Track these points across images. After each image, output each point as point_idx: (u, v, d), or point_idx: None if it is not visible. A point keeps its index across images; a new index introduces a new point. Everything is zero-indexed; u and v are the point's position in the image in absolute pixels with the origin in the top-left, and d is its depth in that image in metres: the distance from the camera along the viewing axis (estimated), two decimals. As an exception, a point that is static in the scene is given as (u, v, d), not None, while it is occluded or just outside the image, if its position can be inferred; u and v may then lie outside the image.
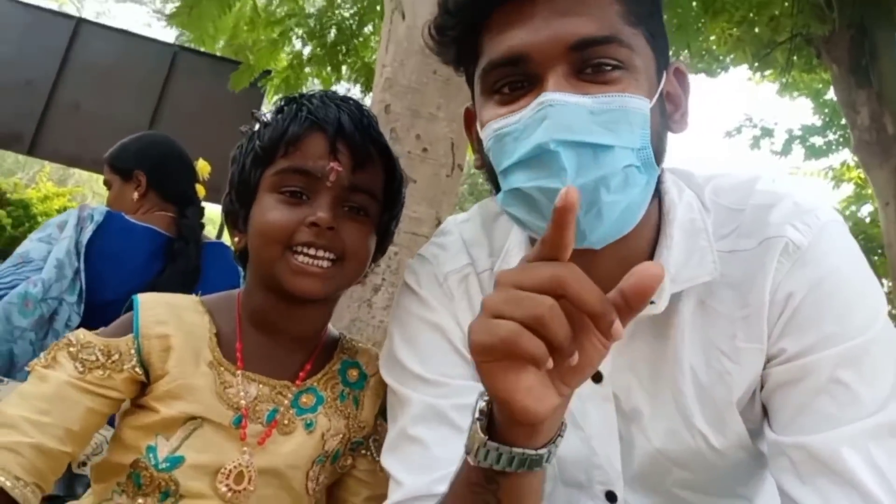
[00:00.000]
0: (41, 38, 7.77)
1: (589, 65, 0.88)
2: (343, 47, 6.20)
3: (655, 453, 1.06)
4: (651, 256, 1.01)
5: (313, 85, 6.81)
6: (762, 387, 0.99)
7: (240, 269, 1.28)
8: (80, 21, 8.16)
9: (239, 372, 1.13)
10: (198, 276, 2.18)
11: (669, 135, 0.99)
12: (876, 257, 9.71)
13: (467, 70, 1.05)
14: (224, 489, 1.07)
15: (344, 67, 6.39)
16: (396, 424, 1.08)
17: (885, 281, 9.71)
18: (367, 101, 2.80)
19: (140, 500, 1.07)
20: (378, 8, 5.71)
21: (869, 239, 9.89)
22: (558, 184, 0.84)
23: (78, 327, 1.39)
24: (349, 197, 1.12)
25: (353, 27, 6.14)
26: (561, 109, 0.85)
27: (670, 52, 1.03)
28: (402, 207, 1.28)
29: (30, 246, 1.97)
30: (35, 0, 8.25)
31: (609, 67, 0.88)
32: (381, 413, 1.21)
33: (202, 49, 7.72)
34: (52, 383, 1.02)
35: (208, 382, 1.10)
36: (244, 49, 6.68)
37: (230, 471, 1.07)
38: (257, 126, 1.18)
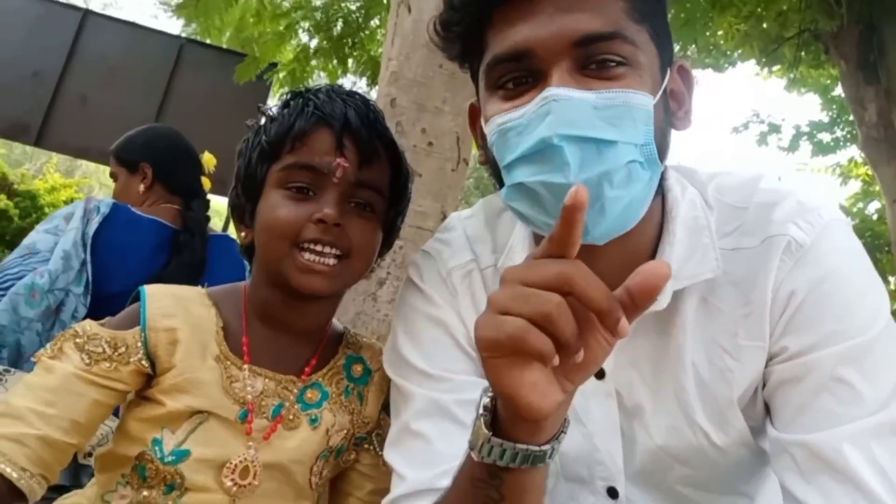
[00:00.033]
0: (48, 29, 7.78)
1: (593, 61, 0.89)
2: (349, 40, 6.18)
3: (657, 450, 1.06)
4: (654, 253, 1.02)
5: (319, 78, 6.80)
6: (764, 385, 0.99)
7: (245, 262, 1.28)
8: (87, 13, 8.16)
9: (245, 366, 1.13)
10: (203, 269, 2.19)
11: (673, 132, 0.99)
12: (883, 254, 9.67)
13: (472, 66, 1.06)
14: (229, 483, 1.07)
15: (350, 61, 6.38)
16: (399, 419, 1.08)
17: (891, 278, 9.68)
18: (373, 95, 2.80)
19: (145, 493, 1.07)
20: (384, 1, 5.70)
21: (876, 236, 9.85)
22: (562, 178, 0.85)
23: (84, 318, 1.40)
24: (356, 193, 1.12)
25: (360, 20, 6.12)
26: (565, 104, 0.85)
27: (677, 47, 1.03)
28: (408, 203, 1.28)
29: (36, 237, 1.98)
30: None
31: (613, 63, 0.89)
32: (385, 408, 1.21)
33: (208, 41, 7.73)
34: (58, 375, 1.02)
35: (215, 377, 1.10)
36: (251, 42, 6.67)
37: (236, 465, 1.08)
38: (263, 120, 1.18)
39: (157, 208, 2.26)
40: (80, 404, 1.02)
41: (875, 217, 11.03)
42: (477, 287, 1.13)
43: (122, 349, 1.06)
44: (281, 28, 6.33)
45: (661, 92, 0.93)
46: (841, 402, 0.87)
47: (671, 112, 0.99)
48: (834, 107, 11.27)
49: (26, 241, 1.99)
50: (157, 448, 1.06)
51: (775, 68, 9.74)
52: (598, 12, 0.88)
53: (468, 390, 1.04)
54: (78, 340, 1.06)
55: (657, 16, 0.96)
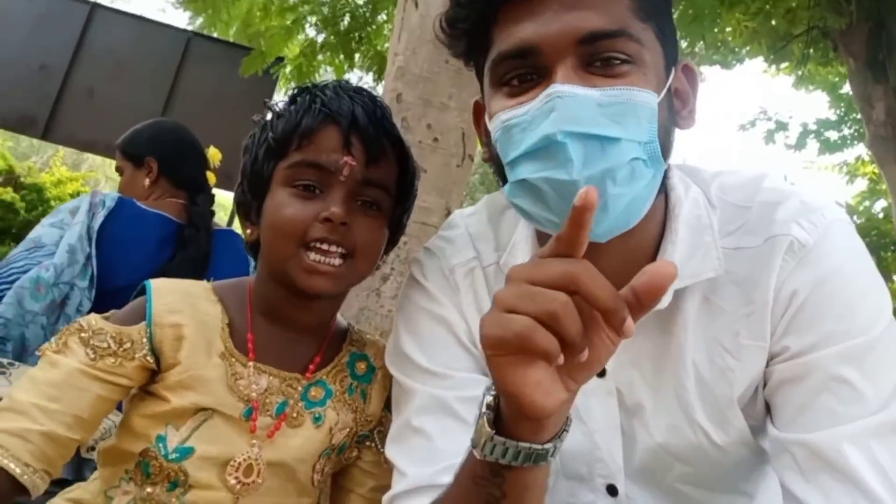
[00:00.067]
0: (56, 22, 7.78)
1: (598, 58, 0.89)
2: (356, 35, 6.17)
3: (657, 448, 1.06)
4: (656, 251, 1.02)
5: (326, 73, 6.79)
6: (765, 384, 0.99)
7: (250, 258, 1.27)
8: (95, 6, 8.15)
9: (250, 363, 1.12)
10: (208, 263, 2.19)
11: (677, 131, 0.99)
12: (889, 253, 9.63)
13: (477, 63, 1.06)
14: (233, 482, 1.07)
15: (357, 55, 6.37)
16: (401, 415, 1.09)
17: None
18: (379, 90, 2.80)
19: (148, 489, 1.07)
20: (392, -4, 5.70)
21: (882, 235, 9.80)
22: (565, 175, 0.85)
23: (89, 312, 1.40)
24: (362, 191, 1.11)
25: (367, 15, 6.10)
26: (569, 101, 0.85)
27: (685, 44, 1.03)
28: (414, 200, 1.27)
29: (42, 231, 1.99)
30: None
31: (618, 61, 0.89)
32: (387, 405, 1.21)
33: (216, 35, 7.73)
34: (62, 369, 1.02)
35: (220, 374, 1.10)
36: (258, 38, 6.66)
37: (240, 464, 1.08)
38: (270, 116, 1.17)
39: (162, 202, 2.27)
40: (83, 400, 1.02)
41: (881, 216, 10.98)
42: (479, 285, 1.13)
43: (128, 345, 1.06)
44: (288, 22, 6.32)
45: (665, 90, 0.93)
46: (842, 401, 0.87)
47: (675, 111, 0.99)
48: (842, 104, 11.24)
49: (32, 234, 1.99)
50: (160, 445, 1.06)
51: (783, 65, 9.70)
52: (603, 10, 0.88)
53: (469, 387, 1.04)
54: (83, 335, 1.05)
55: (663, 14, 0.96)
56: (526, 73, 0.92)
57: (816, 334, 0.91)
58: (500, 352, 0.71)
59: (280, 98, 1.22)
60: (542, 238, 1.09)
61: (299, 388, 1.16)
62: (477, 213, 1.23)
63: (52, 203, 8.97)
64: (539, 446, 0.77)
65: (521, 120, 0.90)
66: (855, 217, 10.54)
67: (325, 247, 1.07)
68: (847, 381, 0.87)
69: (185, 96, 7.95)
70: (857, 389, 0.87)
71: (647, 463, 1.09)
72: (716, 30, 7.32)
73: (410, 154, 1.22)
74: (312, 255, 1.06)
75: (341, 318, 1.31)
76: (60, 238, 1.95)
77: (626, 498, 1.11)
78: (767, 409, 0.99)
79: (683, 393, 1.02)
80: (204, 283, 1.21)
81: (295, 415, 1.14)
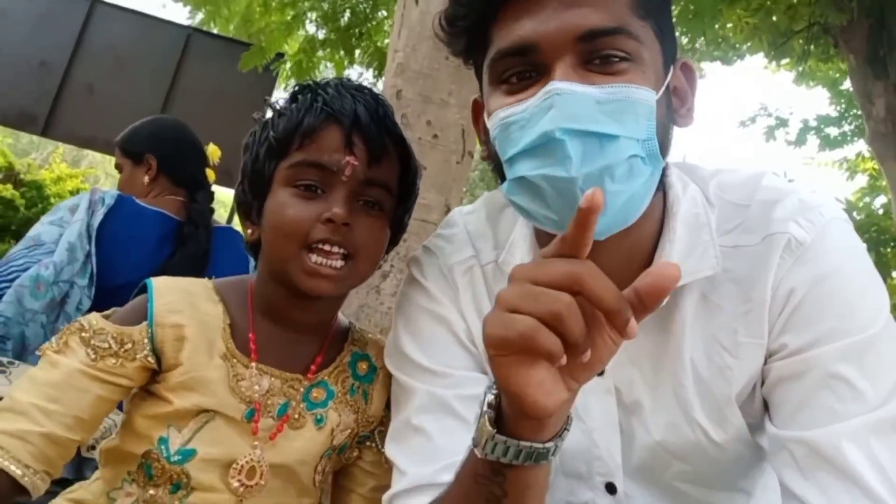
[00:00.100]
0: (56, 19, 7.76)
1: (597, 56, 0.89)
2: (356, 31, 6.16)
3: (655, 446, 1.07)
4: (654, 250, 1.02)
5: (326, 69, 6.78)
6: (763, 382, 0.99)
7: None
8: (95, 2, 8.12)
9: (252, 364, 1.11)
10: (207, 261, 2.19)
11: (676, 129, 0.99)
12: (889, 249, 9.63)
13: (476, 61, 1.06)
14: (236, 484, 1.07)
15: (357, 52, 6.36)
16: (400, 414, 1.09)
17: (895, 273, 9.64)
18: (379, 86, 2.80)
19: (151, 491, 1.07)
20: (392, -8, 5.69)
21: (882, 231, 9.80)
22: (563, 172, 0.85)
23: (89, 311, 1.39)
24: (364, 191, 1.10)
25: (367, 11, 6.10)
26: (567, 98, 0.85)
27: (686, 40, 1.03)
28: (415, 199, 1.26)
29: (41, 229, 1.98)
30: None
31: (616, 59, 0.89)
32: (388, 405, 1.20)
33: (216, 31, 7.71)
34: (62, 370, 1.02)
35: (221, 375, 1.09)
36: (258, 33, 6.65)
37: (242, 466, 1.07)
38: (270, 114, 1.16)
39: (161, 200, 2.26)
40: (83, 400, 1.02)
41: (881, 212, 10.98)
42: (478, 283, 1.13)
43: (129, 345, 1.05)
44: (288, 18, 6.31)
45: (663, 88, 0.93)
46: (840, 398, 0.87)
47: (673, 109, 0.99)
48: (842, 101, 11.22)
49: (31, 232, 1.99)
50: (163, 447, 1.06)
51: (784, 62, 9.69)
52: (602, 7, 0.89)
53: (469, 386, 1.04)
54: (84, 335, 1.05)
55: (662, 12, 0.96)
56: (525, 70, 0.93)
57: (815, 332, 0.91)
58: (503, 352, 0.71)
59: (281, 95, 1.21)
60: (540, 236, 1.09)
61: (301, 390, 1.15)
62: (475, 212, 1.23)
63: (52, 200, 8.95)
64: (540, 445, 0.77)
65: (519, 117, 0.90)
66: (855, 213, 10.53)
67: (326, 248, 1.06)
68: (845, 379, 0.87)
69: (184, 93, 7.93)
70: (856, 387, 0.87)
71: (645, 461, 1.09)
72: (717, 26, 7.33)
73: (412, 153, 1.21)
74: (314, 257, 1.06)
75: (342, 317, 1.30)
76: (60, 236, 1.94)
77: (625, 496, 1.11)
78: (766, 406, 0.99)
79: (682, 391, 1.02)
80: (205, 281, 1.20)
81: (297, 416, 1.13)
